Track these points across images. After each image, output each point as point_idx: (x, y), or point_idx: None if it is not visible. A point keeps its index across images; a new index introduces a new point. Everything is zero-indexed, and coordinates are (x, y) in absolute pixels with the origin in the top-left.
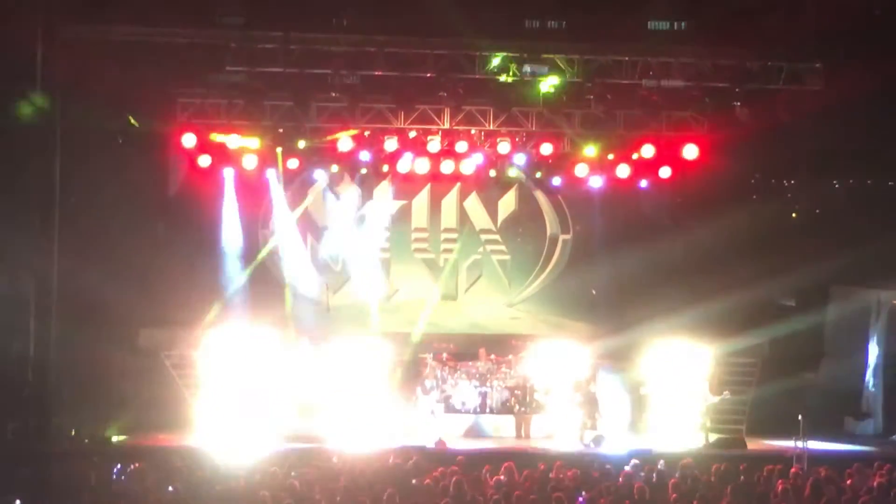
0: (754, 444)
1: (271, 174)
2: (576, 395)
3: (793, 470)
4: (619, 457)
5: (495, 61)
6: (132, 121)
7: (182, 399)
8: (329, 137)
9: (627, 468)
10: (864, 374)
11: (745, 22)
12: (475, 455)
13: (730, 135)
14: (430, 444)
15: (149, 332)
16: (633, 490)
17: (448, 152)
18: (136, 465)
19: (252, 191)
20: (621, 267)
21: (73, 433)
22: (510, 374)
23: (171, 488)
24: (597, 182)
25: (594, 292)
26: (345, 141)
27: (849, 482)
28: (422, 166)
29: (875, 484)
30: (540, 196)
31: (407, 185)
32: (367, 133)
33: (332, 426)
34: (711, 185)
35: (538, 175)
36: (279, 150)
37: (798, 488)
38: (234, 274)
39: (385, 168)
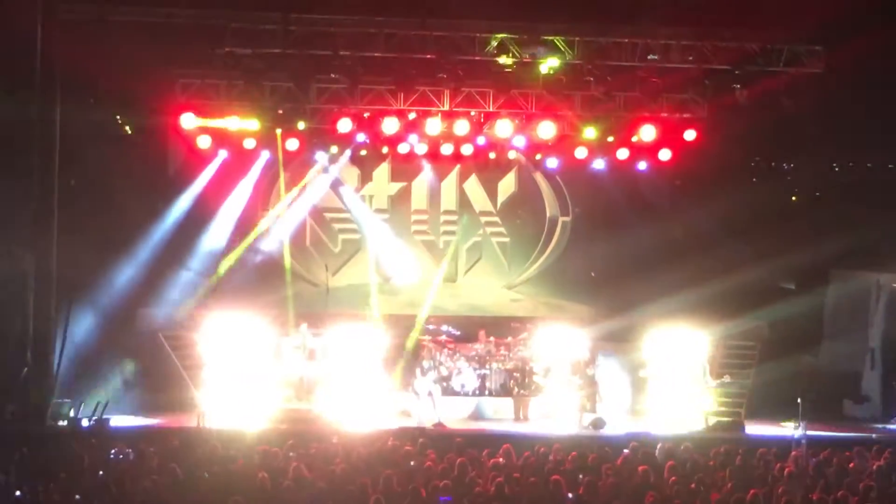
0: (754, 428)
1: (270, 155)
2: (575, 377)
3: (792, 453)
4: (618, 440)
5: (495, 43)
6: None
7: (181, 380)
8: None
9: (626, 451)
10: (863, 358)
11: (745, 4)
12: (474, 437)
13: (729, 117)
14: (429, 426)
15: (147, 312)
16: (633, 473)
17: (448, 134)
18: (135, 445)
19: (250, 172)
20: (621, 249)
21: (71, 413)
22: (509, 356)
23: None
24: (596, 164)
25: (593, 274)
26: (344, 122)
27: (851, 465)
28: (421, 148)
29: (875, 467)
30: (539, 178)
31: (406, 167)
32: (366, 114)
33: (331, 408)
34: (711, 168)
35: (538, 157)
36: (279, 131)
37: (797, 472)
38: (234, 255)
39: (385, 149)
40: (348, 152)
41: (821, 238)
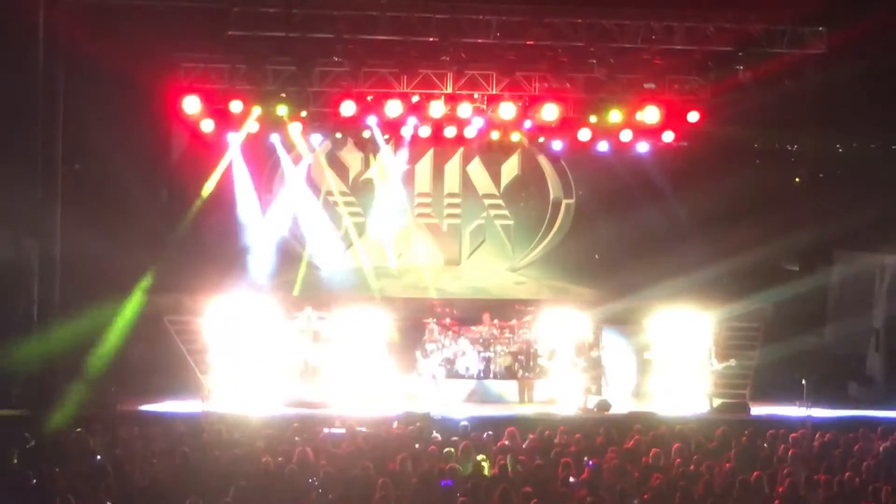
0: (758, 409)
1: (274, 139)
2: (579, 359)
3: (796, 435)
4: (623, 422)
5: None
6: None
7: (186, 365)
8: None
9: (633, 433)
10: (867, 339)
11: None
12: (479, 420)
13: (732, 99)
14: (434, 410)
15: (152, 297)
16: (638, 455)
17: (451, 117)
18: (140, 430)
19: (254, 156)
20: (624, 231)
21: (76, 399)
22: (513, 339)
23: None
24: (600, 146)
25: (597, 257)
26: (347, 105)
27: (856, 447)
28: (424, 131)
29: (881, 449)
30: (543, 160)
31: (410, 150)
32: (369, 98)
33: (336, 392)
34: (714, 150)
35: (541, 139)
36: (282, 111)
37: (801, 453)
38: (237, 239)
39: (387, 133)
40: (351, 135)
41: (824, 219)
